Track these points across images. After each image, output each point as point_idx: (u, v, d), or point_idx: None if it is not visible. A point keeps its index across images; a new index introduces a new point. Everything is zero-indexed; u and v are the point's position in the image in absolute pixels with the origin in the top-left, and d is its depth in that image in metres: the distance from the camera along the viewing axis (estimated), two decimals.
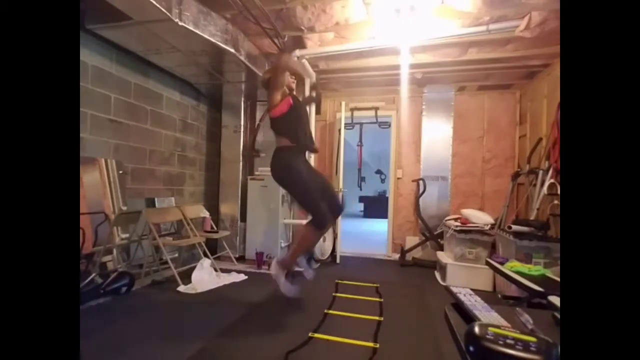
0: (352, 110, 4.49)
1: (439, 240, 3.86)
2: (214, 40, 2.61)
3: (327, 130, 4.66)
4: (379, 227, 6.76)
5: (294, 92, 2.51)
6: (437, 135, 4.25)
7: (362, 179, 5.42)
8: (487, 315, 0.84)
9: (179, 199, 3.76)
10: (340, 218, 4.06)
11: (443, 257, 3.38)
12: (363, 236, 6.35)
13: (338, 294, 2.71)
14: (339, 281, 3.04)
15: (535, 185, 3.09)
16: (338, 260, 3.99)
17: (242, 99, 4.03)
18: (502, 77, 3.90)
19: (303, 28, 2.91)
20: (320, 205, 2.26)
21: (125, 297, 2.52)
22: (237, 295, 2.69)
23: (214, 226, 3.77)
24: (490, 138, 4.19)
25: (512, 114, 4.12)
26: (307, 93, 3.69)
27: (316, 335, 1.94)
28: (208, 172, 4.26)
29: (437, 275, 3.47)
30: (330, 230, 3.98)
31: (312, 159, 3.95)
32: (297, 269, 2.59)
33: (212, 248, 3.67)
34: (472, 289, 1.01)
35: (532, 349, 0.58)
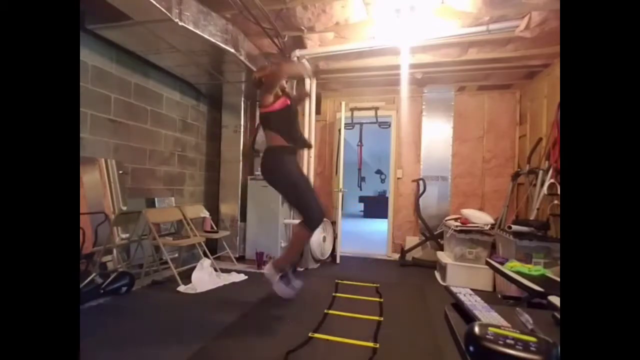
0: (352, 110, 4.49)
1: (439, 240, 3.86)
2: (214, 40, 2.62)
3: (327, 130, 4.65)
4: (379, 227, 6.76)
5: (287, 91, 2.52)
6: (437, 135, 4.25)
7: (362, 179, 5.42)
8: (487, 315, 0.84)
9: (179, 199, 3.76)
10: (340, 218, 4.08)
11: (443, 257, 3.38)
12: (363, 236, 6.35)
13: (338, 294, 2.71)
14: (339, 281, 3.04)
15: (535, 185, 3.09)
16: (338, 260, 3.99)
17: (242, 99, 4.03)
18: (502, 77, 3.90)
19: (303, 28, 2.91)
20: (313, 206, 2.28)
21: (125, 297, 2.52)
22: (237, 295, 2.69)
23: (214, 226, 3.77)
24: (490, 138, 4.19)
25: (512, 114, 4.12)
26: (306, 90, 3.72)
27: (316, 335, 1.94)
28: (208, 172, 4.26)
29: (437, 275, 3.47)
30: (330, 230, 3.99)
31: (312, 158, 3.96)
32: (298, 268, 2.56)
33: (212, 248, 3.67)
34: (472, 289, 1.00)
35: (532, 349, 0.58)
